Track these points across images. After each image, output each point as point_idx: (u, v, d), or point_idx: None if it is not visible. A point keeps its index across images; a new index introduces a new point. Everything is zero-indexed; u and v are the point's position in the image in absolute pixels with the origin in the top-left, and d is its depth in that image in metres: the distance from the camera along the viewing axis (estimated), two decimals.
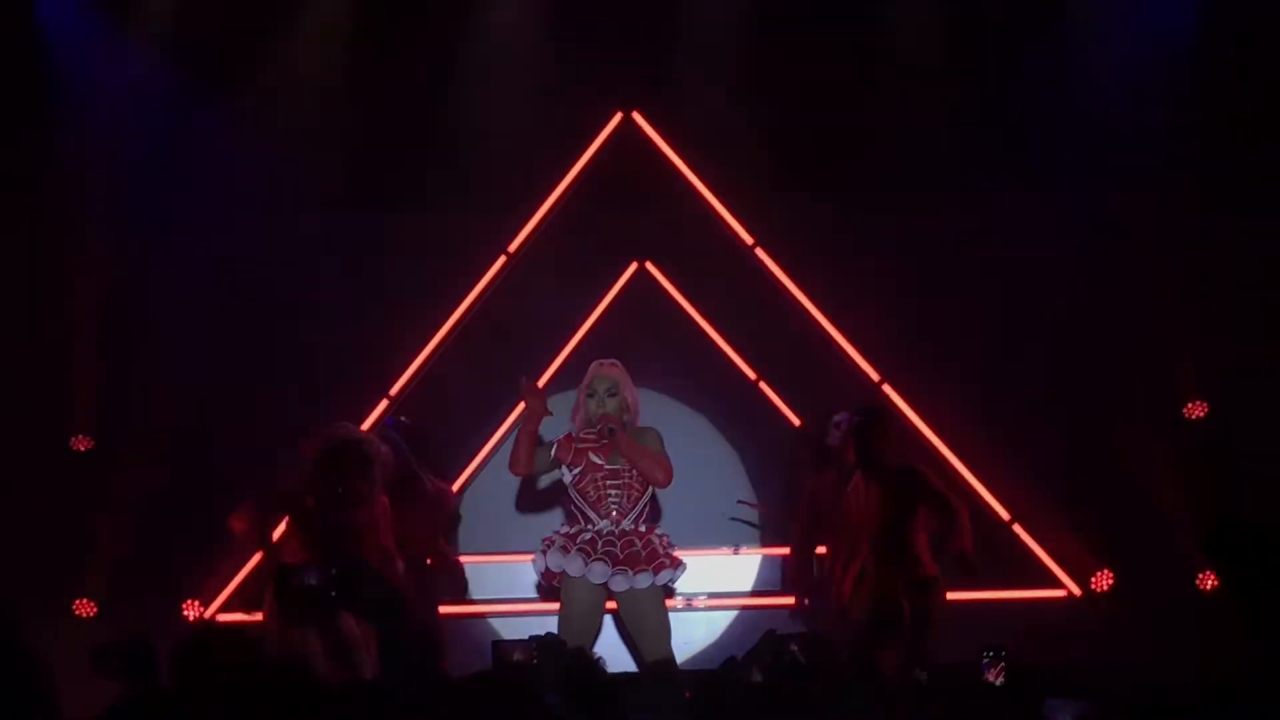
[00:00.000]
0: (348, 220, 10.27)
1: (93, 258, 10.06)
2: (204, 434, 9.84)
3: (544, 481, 9.26)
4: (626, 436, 7.02)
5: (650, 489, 7.11)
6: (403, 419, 9.12)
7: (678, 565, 7.06)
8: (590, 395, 7.09)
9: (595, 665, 5.27)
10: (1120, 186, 10.06)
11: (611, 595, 7.08)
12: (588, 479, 7.06)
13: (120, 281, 10.08)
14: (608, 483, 7.05)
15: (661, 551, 7.03)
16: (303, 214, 10.17)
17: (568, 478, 7.09)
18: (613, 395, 7.07)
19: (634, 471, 7.04)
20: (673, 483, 7.11)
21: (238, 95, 10.19)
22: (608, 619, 7.48)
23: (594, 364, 7.21)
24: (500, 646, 5.87)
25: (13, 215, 10.03)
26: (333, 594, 7.27)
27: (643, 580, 6.96)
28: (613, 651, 8.18)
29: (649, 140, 10.46)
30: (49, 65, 10.09)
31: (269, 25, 10.24)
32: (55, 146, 10.06)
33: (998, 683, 6.23)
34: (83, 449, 9.92)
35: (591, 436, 7.08)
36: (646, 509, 7.13)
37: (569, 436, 7.11)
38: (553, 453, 7.09)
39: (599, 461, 7.04)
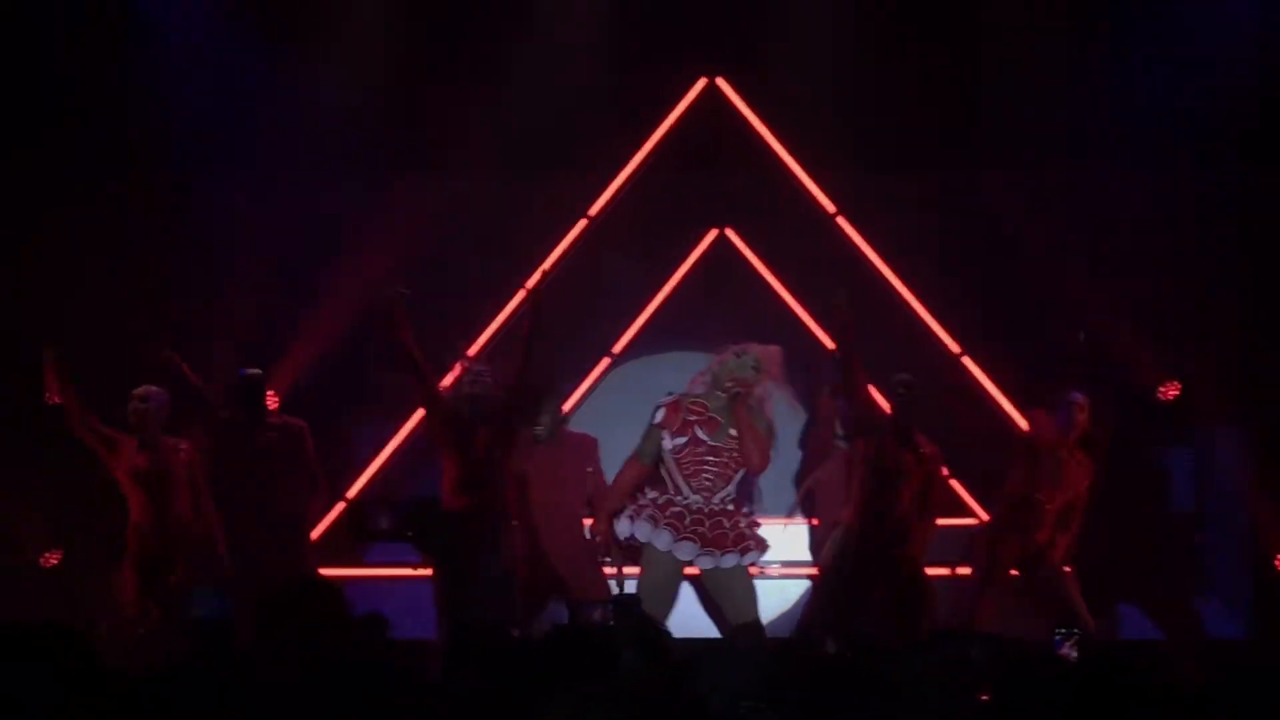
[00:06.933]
0: (430, 181, 10.30)
1: (164, 213, 10.16)
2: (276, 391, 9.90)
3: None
4: (746, 406, 7.02)
5: (742, 472, 7.13)
6: None
7: (763, 547, 7.10)
8: (738, 355, 7.10)
9: (665, 634, 5.29)
10: (1210, 168, 9.95)
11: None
12: (688, 451, 7.06)
13: (190, 237, 10.16)
14: (706, 458, 7.06)
15: (748, 534, 7.06)
16: (383, 176, 10.21)
17: (669, 444, 7.09)
18: (756, 370, 7.08)
19: (733, 451, 7.05)
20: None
21: (312, 54, 10.20)
22: (687, 586, 7.52)
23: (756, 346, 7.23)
24: (578, 606, 5.91)
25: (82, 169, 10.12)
26: (409, 535, 7.34)
27: (728, 561, 7.02)
28: (692, 618, 8.22)
29: (733, 106, 10.43)
30: (128, 23, 10.17)
31: None
32: (130, 101, 10.13)
33: (1072, 658, 6.20)
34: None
35: (700, 406, 7.08)
36: (737, 490, 7.15)
37: (675, 405, 7.12)
38: (657, 419, 7.10)
39: (702, 436, 7.06)
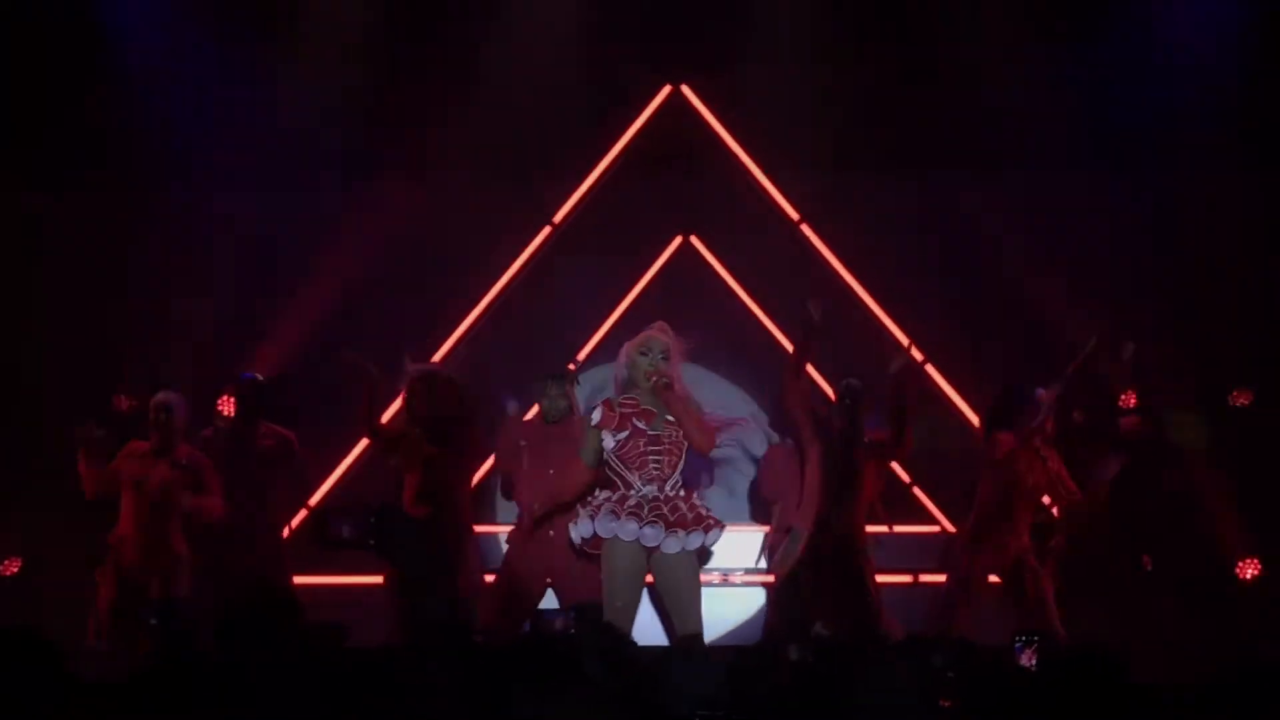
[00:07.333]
0: (393, 187, 10.28)
1: (137, 217, 10.14)
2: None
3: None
4: (679, 393, 7.03)
5: (685, 455, 7.12)
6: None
7: (721, 526, 7.12)
8: (644, 354, 7.09)
9: (628, 641, 5.29)
10: (1168, 169, 10.00)
11: (651, 562, 7.11)
12: (630, 445, 7.06)
13: (162, 241, 10.14)
14: (650, 448, 7.06)
15: (705, 514, 7.08)
16: (346, 181, 10.19)
17: (610, 444, 7.08)
18: (666, 359, 7.09)
19: (674, 437, 7.06)
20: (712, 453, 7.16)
21: (280, 59, 10.18)
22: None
23: (649, 328, 7.21)
24: (540, 615, 5.90)
25: (62, 172, 10.09)
26: (370, 543, 7.32)
27: (694, 541, 7.02)
28: (648, 625, 8.21)
29: (697, 114, 10.44)
30: (102, 26, 10.14)
31: None
32: (104, 104, 10.09)
33: (1031, 665, 6.21)
34: (125, 408, 9.95)
35: (632, 402, 7.08)
36: (683, 477, 7.15)
37: (608, 403, 7.12)
38: (594, 420, 7.09)
39: (642, 426, 7.05)
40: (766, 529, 9.57)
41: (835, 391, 8.82)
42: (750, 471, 9.78)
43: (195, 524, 8.67)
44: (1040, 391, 8.76)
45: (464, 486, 8.38)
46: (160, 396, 8.65)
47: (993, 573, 8.83)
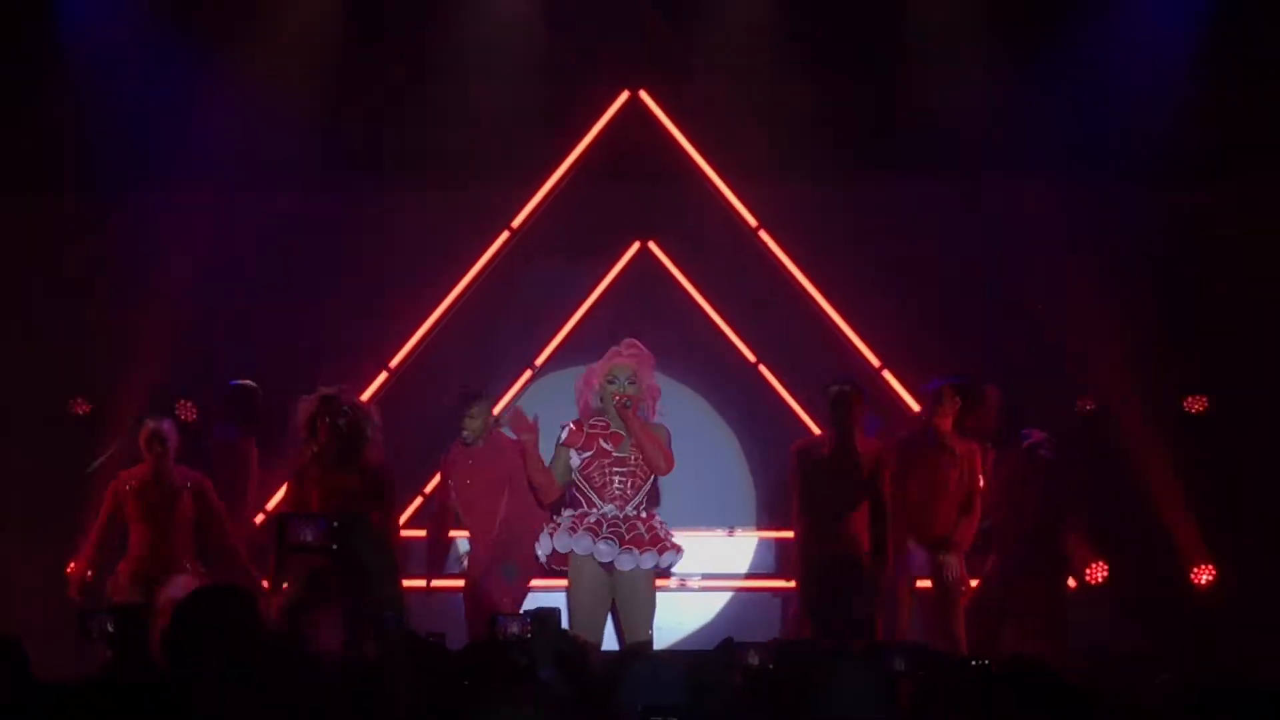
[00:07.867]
0: (351, 192, 10.26)
1: (94, 222, 10.09)
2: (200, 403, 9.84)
3: None
4: (639, 415, 7.06)
5: (652, 478, 7.17)
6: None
7: (679, 550, 7.15)
8: (611, 382, 7.12)
9: (585, 648, 5.28)
10: (1123, 175, 10.05)
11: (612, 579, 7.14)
12: (595, 465, 7.11)
13: (119, 246, 10.09)
14: (614, 469, 7.12)
15: (664, 536, 7.13)
16: (304, 186, 10.16)
17: (575, 462, 7.13)
18: (633, 384, 7.12)
19: (639, 459, 7.09)
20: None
21: (237, 64, 10.13)
22: None
23: (612, 350, 7.22)
24: (498, 620, 5.89)
25: (10, 174, 10.04)
26: (333, 548, 7.31)
27: (648, 560, 7.06)
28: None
29: (656, 119, 10.44)
30: (51, 24, 10.08)
31: None
32: (54, 107, 10.03)
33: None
34: (81, 413, 9.90)
35: (601, 424, 7.12)
36: (648, 497, 7.20)
37: (578, 423, 7.16)
38: (562, 438, 7.12)
39: (608, 448, 7.11)
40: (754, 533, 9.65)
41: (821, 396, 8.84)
42: (714, 473, 9.84)
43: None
44: (941, 383, 8.81)
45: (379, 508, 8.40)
46: (151, 426, 8.72)
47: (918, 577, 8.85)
